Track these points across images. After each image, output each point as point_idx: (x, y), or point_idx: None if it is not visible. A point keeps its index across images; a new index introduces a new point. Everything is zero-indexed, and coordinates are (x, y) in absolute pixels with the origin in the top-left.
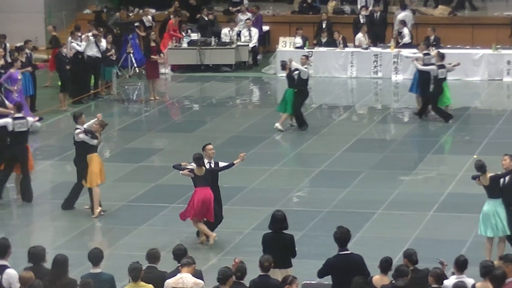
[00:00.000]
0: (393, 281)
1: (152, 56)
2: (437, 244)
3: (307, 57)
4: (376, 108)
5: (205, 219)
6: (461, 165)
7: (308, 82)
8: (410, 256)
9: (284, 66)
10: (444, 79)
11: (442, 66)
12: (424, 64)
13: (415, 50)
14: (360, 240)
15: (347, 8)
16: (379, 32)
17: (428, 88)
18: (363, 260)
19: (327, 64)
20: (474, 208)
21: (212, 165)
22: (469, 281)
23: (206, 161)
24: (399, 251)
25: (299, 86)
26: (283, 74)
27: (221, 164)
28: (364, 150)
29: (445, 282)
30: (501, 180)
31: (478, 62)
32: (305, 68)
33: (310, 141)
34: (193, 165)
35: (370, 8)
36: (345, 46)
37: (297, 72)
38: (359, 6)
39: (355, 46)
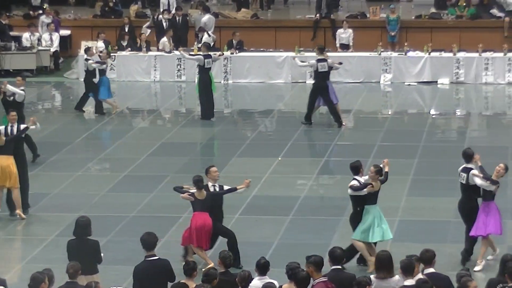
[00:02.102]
0: (201, 285)
1: None
2: (243, 247)
3: (23, 78)
4: (180, 111)
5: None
6: (266, 168)
7: (24, 105)
8: (224, 259)
9: None
10: (210, 68)
11: (208, 56)
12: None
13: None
14: (166, 244)
15: (149, 11)
16: (181, 35)
17: None
18: (170, 265)
19: (130, 68)
20: (279, 210)
21: (217, 188)
22: (274, 282)
23: (210, 184)
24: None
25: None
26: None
27: (226, 187)
28: (169, 154)
29: (251, 283)
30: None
31: (281, 65)
32: (21, 90)
33: (114, 146)
34: (194, 189)
35: (173, 12)
36: (149, 50)
37: (12, 95)
38: (161, 10)
39: (158, 50)
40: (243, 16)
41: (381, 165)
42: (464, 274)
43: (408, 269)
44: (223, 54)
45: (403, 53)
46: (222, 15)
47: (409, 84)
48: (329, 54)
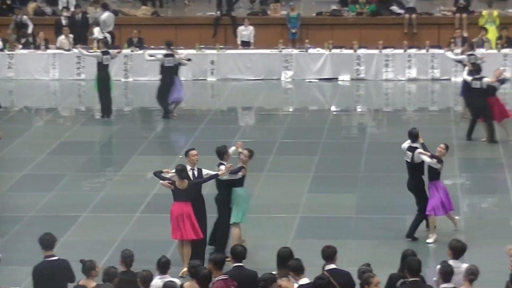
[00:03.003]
0: (102, 285)
1: None
2: (144, 245)
3: None
4: (80, 110)
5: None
6: (167, 166)
7: None
8: (125, 258)
9: None
10: (108, 65)
11: (106, 53)
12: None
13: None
14: (66, 244)
15: (48, 9)
16: (81, 33)
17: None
18: (69, 265)
19: (28, 66)
20: None
21: (196, 172)
22: (175, 281)
23: (189, 167)
24: (105, 254)
25: None
26: None
27: (205, 171)
28: (68, 153)
29: (152, 282)
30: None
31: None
32: None
33: (12, 145)
34: (173, 174)
35: (72, 9)
36: (47, 48)
37: None
38: (60, 8)
39: (57, 48)
40: (143, 14)
41: (234, 147)
42: (366, 270)
43: (298, 269)
44: (121, 51)
45: (304, 50)
46: (122, 13)
47: (310, 81)
48: (229, 51)
